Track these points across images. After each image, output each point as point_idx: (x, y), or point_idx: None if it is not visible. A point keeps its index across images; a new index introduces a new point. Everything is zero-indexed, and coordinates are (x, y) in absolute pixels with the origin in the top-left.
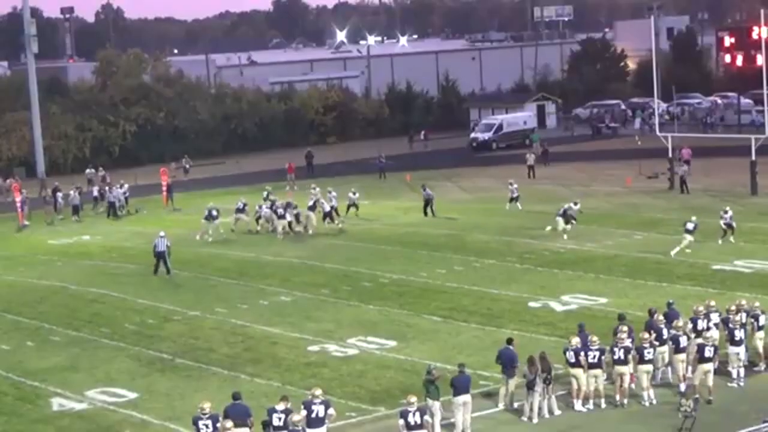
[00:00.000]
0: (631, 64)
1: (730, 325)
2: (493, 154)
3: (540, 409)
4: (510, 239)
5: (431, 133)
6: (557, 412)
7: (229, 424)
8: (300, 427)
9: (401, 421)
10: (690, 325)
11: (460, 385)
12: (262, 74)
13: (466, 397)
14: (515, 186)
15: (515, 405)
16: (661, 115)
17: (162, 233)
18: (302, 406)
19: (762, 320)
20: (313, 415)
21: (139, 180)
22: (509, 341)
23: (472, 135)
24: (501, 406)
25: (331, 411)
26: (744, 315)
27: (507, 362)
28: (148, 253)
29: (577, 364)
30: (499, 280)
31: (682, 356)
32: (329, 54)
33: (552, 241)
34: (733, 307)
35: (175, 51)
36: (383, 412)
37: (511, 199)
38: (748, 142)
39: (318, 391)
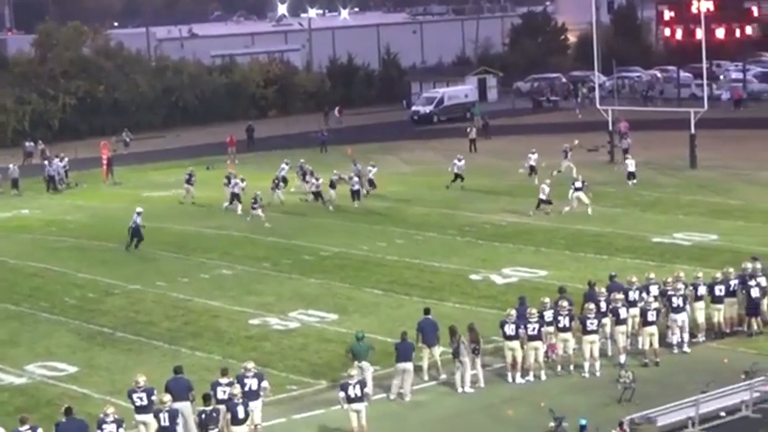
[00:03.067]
0: (572, 38)
1: (670, 292)
2: (434, 128)
3: (474, 382)
4: (451, 212)
5: (368, 106)
6: (482, 384)
7: (167, 397)
8: (240, 400)
9: (342, 394)
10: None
11: (401, 351)
12: (203, 47)
13: (406, 365)
14: (462, 162)
15: (443, 376)
16: (602, 88)
17: (139, 209)
18: (235, 380)
19: (701, 291)
20: (246, 389)
21: (80, 153)
22: (427, 311)
23: (413, 108)
24: (426, 377)
25: (264, 384)
26: (683, 285)
27: (428, 333)
28: (88, 227)
29: (514, 336)
30: (440, 253)
31: (623, 328)
32: (270, 27)
33: (492, 214)
34: (670, 279)
35: (115, 24)
36: (324, 385)
37: (456, 177)
38: (687, 115)
39: (250, 365)
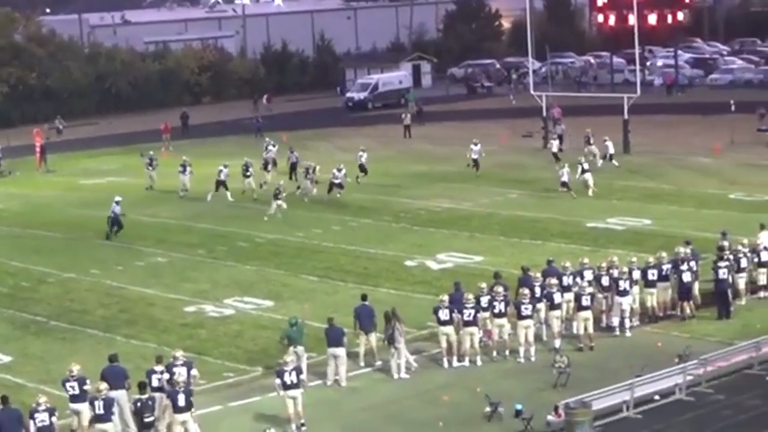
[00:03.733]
0: (506, 24)
1: (615, 275)
2: (368, 114)
3: (408, 366)
4: (386, 198)
5: (303, 92)
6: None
7: (104, 385)
8: (182, 388)
9: (277, 380)
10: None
11: (330, 336)
12: (137, 34)
13: (336, 350)
14: (478, 147)
15: (378, 362)
16: (536, 74)
17: (117, 198)
18: (164, 369)
19: (635, 275)
20: (176, 377)
21: (12, 141)
22: (364, 297)
23: (348, 94)
24: (362, 364)
25: (194, 372)
26: (619, 268)
27: (364, 319)
28: (21, 215)
29: (449, 322)
30: (375, 240)
31: (557, 313)
32: (204, 14)
33: (427, 200)
34: (604, 264)
35: (47, 10)
36: (260, 371)
37: (475, 163)
38: (620, 101)
39: (179, 353)
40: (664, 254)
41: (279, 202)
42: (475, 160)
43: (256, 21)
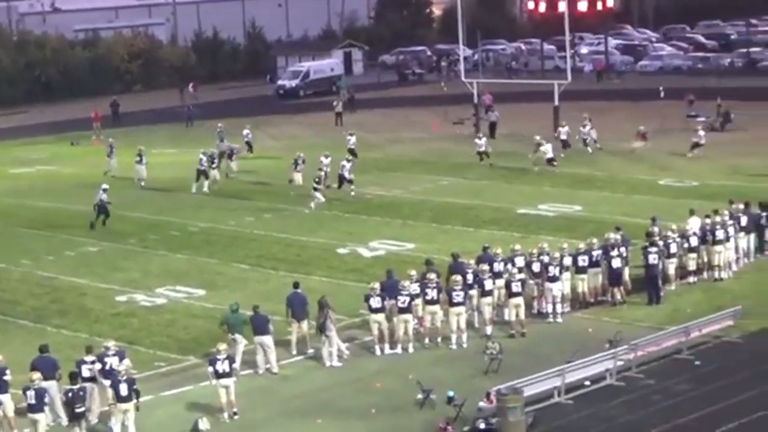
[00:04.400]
0: (437, 11)
1: (545, 261)
2: (300, 102)
3: (340, 354)
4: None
5: (234, 80)
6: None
7: (37, 375)
8: (123, 377)
9: (210, 369)
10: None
11: (256, 324)
12: (67, 21)
13: (262, 338)
14: (483, 141)
15: (310, 350)
16: (467, 61)
17: (105, 186)
18: (95, 359)
19: (566, 261)
20: (107, 367)
21: None
22: (296, 285)
23: (279, 82)
24: (294, 352)
25: (126, 362)
26: (549, 255)
27: (296, 307)
28: None
29: (380, 309)
30: (307, 227)
31: (488, 299)
32: (134, 1)
33: (359, 188)
34: (535, 251)
35: None
36: (192, 360)
37: (481, 155)
38: (551, 87)
39: (111, 343)
40: (594, 240)
41: (317, 194)
42: (481, 152)
43: (186, 8)
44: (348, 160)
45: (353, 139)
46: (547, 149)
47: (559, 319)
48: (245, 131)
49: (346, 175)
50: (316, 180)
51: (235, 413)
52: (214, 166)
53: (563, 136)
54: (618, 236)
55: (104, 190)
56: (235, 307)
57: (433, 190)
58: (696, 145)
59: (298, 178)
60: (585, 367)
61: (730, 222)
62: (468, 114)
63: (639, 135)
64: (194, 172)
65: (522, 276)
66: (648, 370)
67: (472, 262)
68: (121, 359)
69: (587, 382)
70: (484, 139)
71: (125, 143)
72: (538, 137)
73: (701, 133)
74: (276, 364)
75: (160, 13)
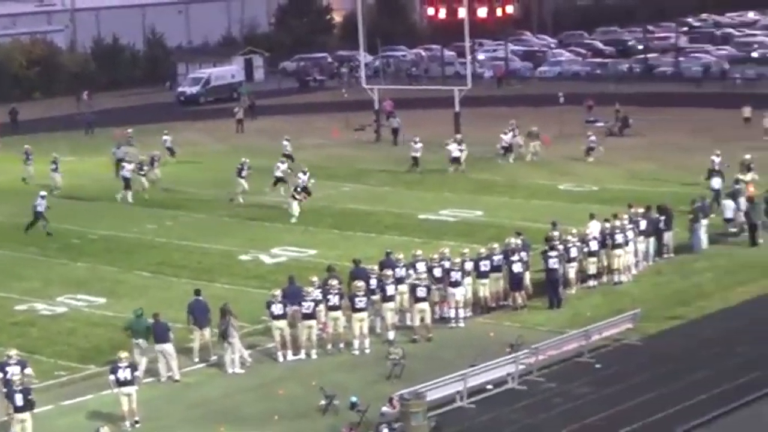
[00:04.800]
0: (337, 17)
1: (447, 267)
2: (201, 108)
3: (243, 361)
4: (220, 193)
5: (135, 87)
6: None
7: None
8: (19, 387)
9: (111, 377)
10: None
11: (156, 332)
12: None
13: (163, 346)
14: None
15: (213, 357)
16: (368, 67)
17: (42, 192)
18: None
19: (467, 266)
20: (9, 376)
21: None
22: (197, 292)
23: (180, 89)
24: (196, 359)
25: (28, 371)
26: (451, 260)
27: (198, 314)
28: None
29: (282, 316)
30: (209, 234)
31: (391, 305)
32: (33, 8)
33: (261, 195)
34: (436, 256)
35: None
36: (93, 369)
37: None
38: (451, 93)
39: (13, 352)
40: (495, 245)
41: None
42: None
43: (86, 15)
44: (304, 172)
45: (288, 144)
46: (453, 149)
47: (461, 324)
48: (165, 137)
49: (305, 183)
50: (296, 189)
51: (137, 422)
52: (142, 173)
53: (504, 143)
54: (518, 241)
55: (42, 197)
56: (139, 312)
57: (334, 196)
58: (590, 149)
59: (243, 184)
60: (487, 372)
61: (630, 226)
62: (369, 120)
63: (531, 136)
64: (121, 181)
65: (427, 281)
66: (549, 373)
67: (375, 267)
68: (22, 368)
69: (489, 386)
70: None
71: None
72: (448, 140)
73: (593, 137)
74: (178, 371)
75: (59, 20)
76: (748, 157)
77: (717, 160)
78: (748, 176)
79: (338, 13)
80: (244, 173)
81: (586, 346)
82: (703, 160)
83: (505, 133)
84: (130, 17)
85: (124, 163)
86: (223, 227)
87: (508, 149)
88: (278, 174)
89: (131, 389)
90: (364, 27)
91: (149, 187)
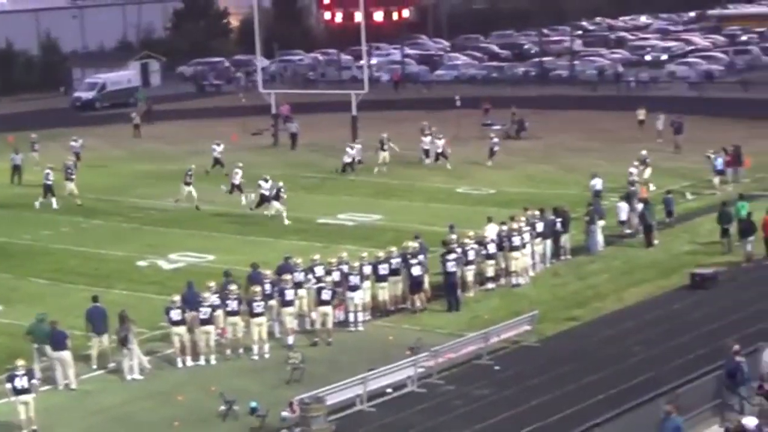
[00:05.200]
0: (234, 22)
1: (345, 270)
2: (97, 114)
3: (142, 368)
4: (117, 199)
5: (30, 92)
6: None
7: None
8: None
9: (8, 386)
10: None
11: (54, 340)
12: None
13: (60, 354)
14: (354, 150)
15: (112, 364)
16: (265, 71)
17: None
18: None
19: (366, 270)
20: None
21: None
22: (95, 299)
23: (76, 94)
24: (95, 366)
25: None
26: (349, 264)
27: (96, 321)
28: None
29: (181, 321)
30: (106, 240)
31: (290, 309)
32: None
33: (158, 200)
34: (334, 260)
35: None
36: None
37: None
38: (349, 97)
39: None
40: (393, 249)
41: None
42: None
43: None
44: (266, 180)
45: (220, 148)
46: (353, 154)
47: (361, 328)
48: (72, 143)
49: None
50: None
51: (35, 430)
52: (73, 177)
53: (439, 149)
54: (416, 244)
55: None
56: (41, 317)
57: (234, 201)
58: (492, 152)
59: (189, 190)
60: (387, 375)
61: (526, 228)
62: (267, 125)
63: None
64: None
65: (331, 285)
66: (449, 376)
67: (269, 272)
68: None
69: (389, 390)
70: (444, 140)
71: None
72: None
73: (495, 140)
74: (75, 379)
75: None
76: (644, 152)
77: (635, 171)
78: (646, 172)
79: (235, 17)
80: (189, 179)
81: (485, 349)
82: (594, 162)
83: (439, 138)
84: (23, 22)
85: (47, 170)
86: (121, 233)
87: (428, 153)
88: (236, 180)
89: (28, 397)
90: (261, 31)
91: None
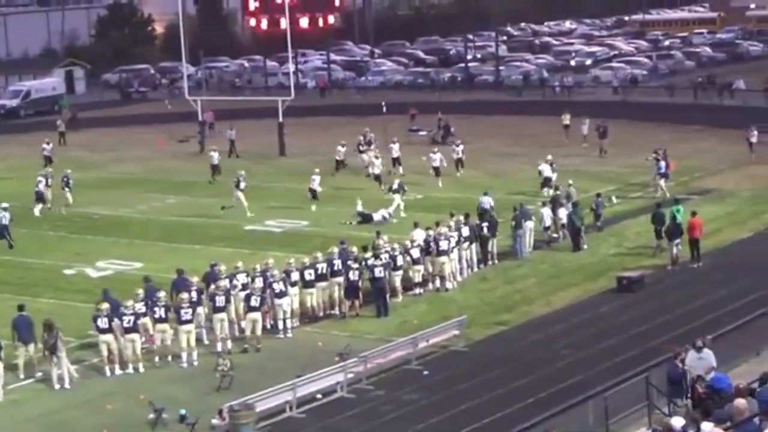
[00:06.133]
0: (159, 29)
1: (270, 279)
2: (22, 122)
3: (70, 376)
4: (43, 207)
5: None
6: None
7: None
8: None
9: None
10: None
11: None
12: None
13: None
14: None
15: (38, 374)
16: (190, 78)
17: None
18: None
19: (293, 276)
20: None
21: None
22: (21, 308)
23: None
24: (22, 376)
25: None
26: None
27: (22, 330)
28: None
29: (108, 329)
30: (32, 249)
31: (221, 315)
32: None
33: (84, 207)
34: (258, 267)
35: None
36: None
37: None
38: (275, 104)
39: None
40: (318, 254)
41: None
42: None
43: None
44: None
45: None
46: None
47: (290, 334)
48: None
49: None
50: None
51: None
52: (69, 188)
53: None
54: (336, 249)
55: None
56: None
57: (160, 208)
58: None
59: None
60: (316, 381)
61: (453, 233)
62: (193, 132)
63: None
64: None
65: (259, 292)
66: (378, 381)
67: (196, 279)
68: None
69: (319, 396)
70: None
71: None
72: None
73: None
74: (1, 390)
75: None
76: (549, 157)
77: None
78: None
79: (159, 24)
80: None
81: (414, 354)
82: (522, 167)
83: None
84: None
85: (40, 177)
86: (47, 242)
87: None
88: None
89: None
90: (186, 38)
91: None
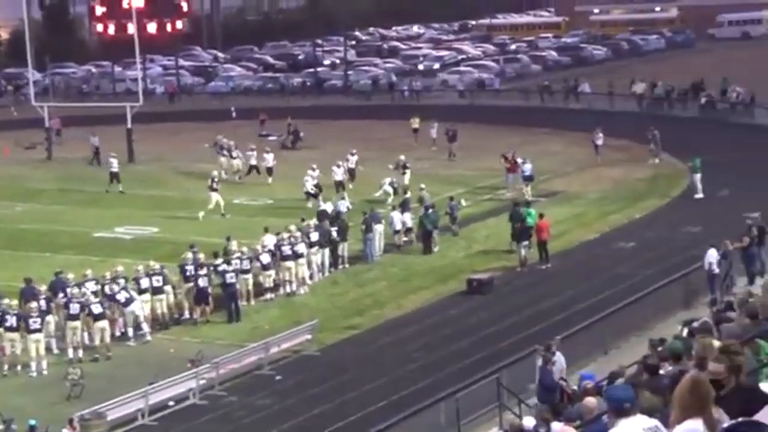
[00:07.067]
0: (4, 34)
1: (115, 288)
2: None
3: None
4: None
5: None
6: None
7: None
8: None
9: None
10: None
11: None
12: None
13: None
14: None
15: None
16: (36, 84)
17: None
18: None
19: (143, 283)
20: None
21: None
22: None
23: None
24: None
25: None
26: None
27: None
28: None
29: None
30: None
31: (74, 324)
32: None
33: None
34: (109, 274)
35: None
36: None
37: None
38: (124, 110)
39: None
40: (152, 262)
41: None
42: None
43: None
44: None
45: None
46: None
47: (148, 338)
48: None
49: None
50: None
51: None
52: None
53: (351, 165)
54: (188, 255)
55: None
56: None
57: (6, 216)
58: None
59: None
60: (168, 388)
61: (302, 238)
62: (40, 138)
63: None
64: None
65: (105, 300)
66: (231, 387)
67: (44, 287)
68: None
69: (171, 403)
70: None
71: None
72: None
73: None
74: None
75: None
76: (402, 157)
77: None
78: (406, 176)
79: (4, 29)
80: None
81: (266, 359)
82: (369, 171)
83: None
84: None
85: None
86: None
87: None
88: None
89: None
90: (32, 43)
91: None
